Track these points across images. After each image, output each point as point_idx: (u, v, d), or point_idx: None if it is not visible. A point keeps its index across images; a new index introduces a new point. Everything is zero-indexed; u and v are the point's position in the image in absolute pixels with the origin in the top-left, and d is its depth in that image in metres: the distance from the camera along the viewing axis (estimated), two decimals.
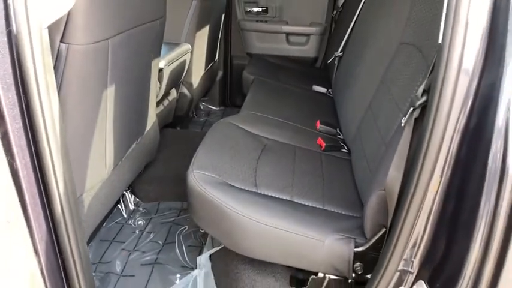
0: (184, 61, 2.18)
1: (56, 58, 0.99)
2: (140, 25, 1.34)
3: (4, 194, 0.81)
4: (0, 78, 0.75)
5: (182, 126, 2.70)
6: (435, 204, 0.88)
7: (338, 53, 2.12)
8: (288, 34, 3.09)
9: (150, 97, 1.63)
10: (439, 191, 0.87)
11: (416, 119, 0.96)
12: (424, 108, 0.92)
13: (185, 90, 2.41)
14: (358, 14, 2.02)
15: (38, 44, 0.77)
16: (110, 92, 1.25)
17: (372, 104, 1.47)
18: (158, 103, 2.03)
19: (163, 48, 1.98)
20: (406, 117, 0.97)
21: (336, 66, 2.16)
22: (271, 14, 3.08)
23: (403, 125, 0.99)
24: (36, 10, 0.76)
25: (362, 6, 2.01)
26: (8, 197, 0.82)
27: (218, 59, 3.10)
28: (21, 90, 0.80)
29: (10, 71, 0.77)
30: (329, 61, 2.20)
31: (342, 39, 2.37)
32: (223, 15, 2.90)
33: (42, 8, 0.78)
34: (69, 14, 0.94)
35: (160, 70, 1.81)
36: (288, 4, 3.05)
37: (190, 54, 2.29)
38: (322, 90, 2.42)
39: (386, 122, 1.26)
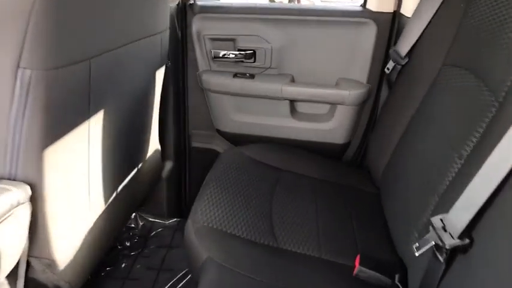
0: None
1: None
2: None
3: None
4: None
5: None
6: None
7: None
8: (293, 101, 1.65)
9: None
10: None
11: None
12: None
13: (38, 275, 0.94)
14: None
15: None
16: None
17: None
18: None
19: None
20: None
21: None
22: (260, 61, 1.63)
23: None
24: None
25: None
26: None
27: (163, 148, 1.64)
28: None
29: None
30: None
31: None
32: (164, 67, 1.45)
33: None
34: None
35: None
36: (294, 46, 1.60)
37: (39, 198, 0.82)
38: None
39: None
